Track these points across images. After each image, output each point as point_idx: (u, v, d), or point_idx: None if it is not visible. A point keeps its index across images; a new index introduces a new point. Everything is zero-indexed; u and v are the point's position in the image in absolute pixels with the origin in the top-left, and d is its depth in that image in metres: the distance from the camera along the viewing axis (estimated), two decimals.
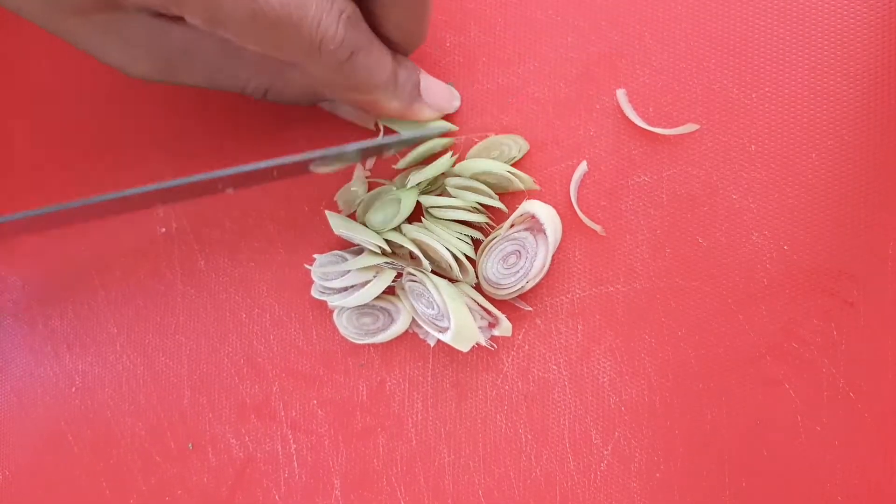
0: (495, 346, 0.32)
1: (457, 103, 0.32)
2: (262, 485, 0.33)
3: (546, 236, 0.29)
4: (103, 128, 0.36)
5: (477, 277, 0.31)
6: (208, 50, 0.28)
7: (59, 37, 0.26)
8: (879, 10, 0.29)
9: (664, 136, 0.31)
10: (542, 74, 0.32)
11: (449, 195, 0.31)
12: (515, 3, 0.32)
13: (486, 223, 0.31)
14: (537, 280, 0.30)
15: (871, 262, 0.29)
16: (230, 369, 0.34)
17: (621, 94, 0.31)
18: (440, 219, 0.31)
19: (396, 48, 0.29)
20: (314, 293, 0.32)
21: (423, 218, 0.31)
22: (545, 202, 0.31)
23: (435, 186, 0.31)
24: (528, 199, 0.31)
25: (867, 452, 0.29)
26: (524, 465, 0.31)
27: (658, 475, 0.30)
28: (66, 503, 0.35)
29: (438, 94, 0.30)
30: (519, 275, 0.30)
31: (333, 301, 0.31)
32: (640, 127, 0.31)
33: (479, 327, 0.30)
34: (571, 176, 0.31)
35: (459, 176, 0.31)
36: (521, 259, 0.30)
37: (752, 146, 0.30)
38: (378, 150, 0.30)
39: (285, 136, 0.34)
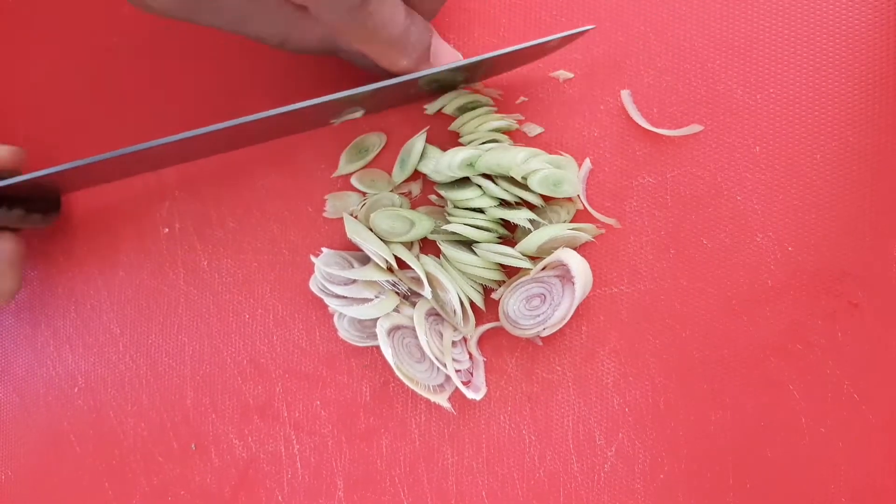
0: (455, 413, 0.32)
1: None
2: (265, 485, 0.33)
3: (574, 287, 0.29)
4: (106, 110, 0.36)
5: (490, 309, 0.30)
6: None
7: None
8: (884, 12, 0.29)
9: (668, 137, 0.31)
10: (545, 75, 0.32)
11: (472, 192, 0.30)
12: (519, 3, 0.32)
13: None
14: (556, 328, 0.29)
15: (876, 264, 0.29)
16: (233, 370, 0.34)
17: (626, 95, 0.31)
18: (464, 209, 0.30)
19: (417, 7, 0.29)
20: (312, 286, 0.31)
21: (441, 256, 0.31)
22: None
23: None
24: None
25: (871, 454, 0.29)
26: (528, 466, 0.31)
27: (662, 476, 0.30)
28: (68, 503, 0.35)
29: (447, 59, 0.30)
30: (539, 319, 0.29)
31: (332, 304, 0.31)
32: (644, 128, 0.31)
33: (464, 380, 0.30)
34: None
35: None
36: (544, 304, 0.29)
37: (757, 147, 0.30)
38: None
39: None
